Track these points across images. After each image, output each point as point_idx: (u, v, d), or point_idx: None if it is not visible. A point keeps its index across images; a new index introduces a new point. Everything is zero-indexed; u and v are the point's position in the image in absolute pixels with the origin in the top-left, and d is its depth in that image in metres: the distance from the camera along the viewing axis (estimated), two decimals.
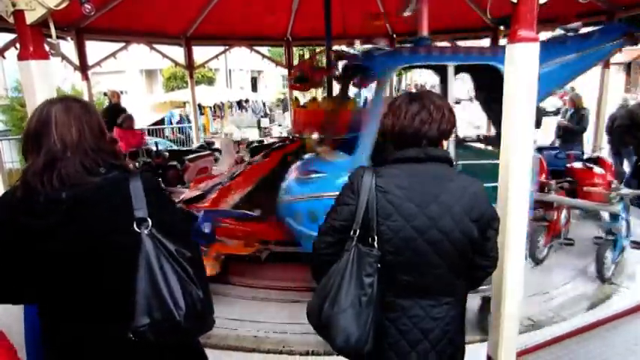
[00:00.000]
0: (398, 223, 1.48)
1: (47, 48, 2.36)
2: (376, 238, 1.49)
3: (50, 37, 2.36)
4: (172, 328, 1.32)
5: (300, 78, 6.57)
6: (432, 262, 1.50)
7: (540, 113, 7.99)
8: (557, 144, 7.50)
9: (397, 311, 1.55)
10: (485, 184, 1.59)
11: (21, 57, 2.28)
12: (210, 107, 16.64)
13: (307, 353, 3.34)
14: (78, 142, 1.35)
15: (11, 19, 2.19)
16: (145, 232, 1.33)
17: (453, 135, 2.07)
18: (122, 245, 1.34)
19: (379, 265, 1.48)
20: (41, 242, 1.31)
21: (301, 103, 6.86)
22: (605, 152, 7.20)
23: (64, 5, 2.15)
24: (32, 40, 2.24)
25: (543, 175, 4.74)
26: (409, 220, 1.48)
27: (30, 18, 2.18)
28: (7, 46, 5.62)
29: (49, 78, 2.35)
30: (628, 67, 22.93)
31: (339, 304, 1.48)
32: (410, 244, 1.49)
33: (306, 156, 4.29)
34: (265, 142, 8.19)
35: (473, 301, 3.41)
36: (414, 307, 1.54)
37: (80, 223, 1.32)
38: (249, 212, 4.12)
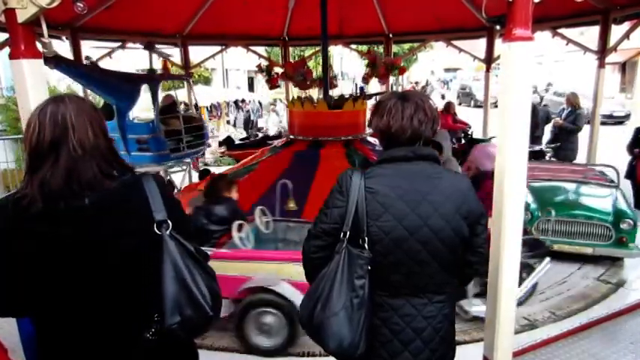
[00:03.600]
0: (389, 223, 1.47)
1: (40, 47, 2.33)
2: (367, 239, 1.48)
3: (43, 35, 2.34)
4: (205, 322, 1.39)
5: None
6: (424, 261, 1.50)
7: (538, 116, 8.02)
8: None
9: (388, 311, 1.54)
10: None
11: (12, 56, 2.25)
12: (207, 107, 16.61)
13: (303, 354, 3.33)
14: (95, 145, 1.32)
15: (2, 18, 2.16)
16: (167, 233, 1.35)
17: None
18: (143, 247, 1.35)
19: (369, 267, 1.47)
20: (64, 250, 1.29)
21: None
22: None
23: (56, 4, 2.12)
24: (24, 39, 2.21)
25: None
26: (400, 220, 1.47)
27: (22, 16, 2.15)
28: (1, 45, 5.58)
29: (42, 77, 2.32)
30: (623, 67, 23.03)
31: (331, 307, 1.47)
32: (401, 243, 1.48)
33: None
34: None
35: None
36: (406, 305, 1.53)
37: (105, 229, 1.31)
38: None
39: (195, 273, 1.37)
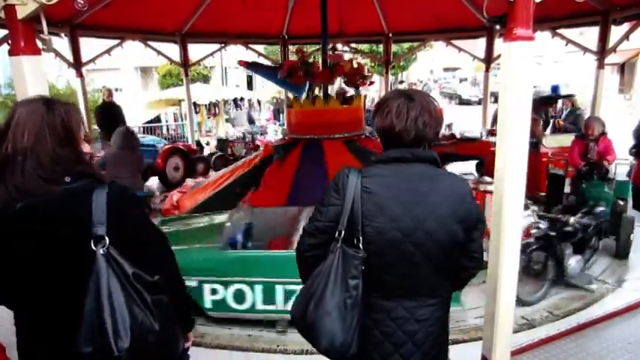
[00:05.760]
0: (383, 224, 1.45)
1: (39, 44, 2.32)
2: (361, 239, 1.46)
3: (42, 32, 2.33)
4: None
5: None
6: (418, 263, 1.48)
7: (547, 117, 8.00)
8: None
9: (380, 313, 1.52)
10: None
11: (12, 52, 2.24)
12: (206, 105, 16.58)
13: (301, 352, 3.33)
14: (32, 148, 1.26)
15: (2, 14, 2.16)
16: (101, 251, 1.24)
17: None
18: (80, 262, 1.25)
19: (363, 267, 1.45)
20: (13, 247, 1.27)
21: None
22: None
23: (55, 0, 2.11)
24: (23, 36, 2.21)
25: None
26: (395, 222, 1.45)
27: (21, 13, 2.14)
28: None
29: (41, 74, 2.31)
30: (622, 68, 23.05)
31: (324, 306, 1.45)
32: (396, 245, 1.46)
33: None
34: None
35: None
36: (398, 308, 1.51)
37: (37, 238, 1.25)
38: None
39: (118, 302, 1.22)
